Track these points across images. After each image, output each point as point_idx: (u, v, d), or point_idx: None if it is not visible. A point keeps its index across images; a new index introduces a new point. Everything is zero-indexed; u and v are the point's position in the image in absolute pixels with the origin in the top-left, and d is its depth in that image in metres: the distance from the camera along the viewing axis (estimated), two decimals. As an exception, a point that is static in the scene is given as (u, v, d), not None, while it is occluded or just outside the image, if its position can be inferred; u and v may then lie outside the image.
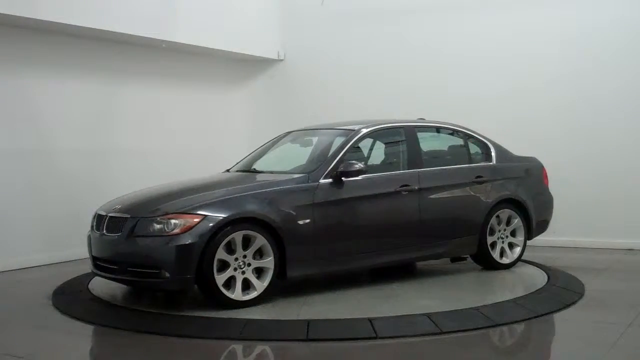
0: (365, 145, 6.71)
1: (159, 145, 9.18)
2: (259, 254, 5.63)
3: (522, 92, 8.89)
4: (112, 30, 8.08)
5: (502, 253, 7.01)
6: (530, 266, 7.14)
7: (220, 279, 5.41)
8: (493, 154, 7.15)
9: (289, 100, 10.48)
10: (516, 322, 5.23)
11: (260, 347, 4.80)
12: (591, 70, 8.54)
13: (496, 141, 7.29)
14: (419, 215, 6.46)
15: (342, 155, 6.18)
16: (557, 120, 8.70)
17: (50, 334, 5.21)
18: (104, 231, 5.77)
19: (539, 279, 6.53)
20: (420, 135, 6.79)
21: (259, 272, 5.63)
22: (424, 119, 7.28)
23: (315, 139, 6.92)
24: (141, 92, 9.09)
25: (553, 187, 7.49)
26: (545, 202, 7.39)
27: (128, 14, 8.24)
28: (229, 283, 5.50)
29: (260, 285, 5.59)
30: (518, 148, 7.47)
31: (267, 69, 10.69)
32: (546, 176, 7.47)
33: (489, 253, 6.88)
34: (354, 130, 6.51)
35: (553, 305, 5.60)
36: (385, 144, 6.97)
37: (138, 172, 8.49)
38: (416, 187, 6.43)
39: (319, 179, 6.00)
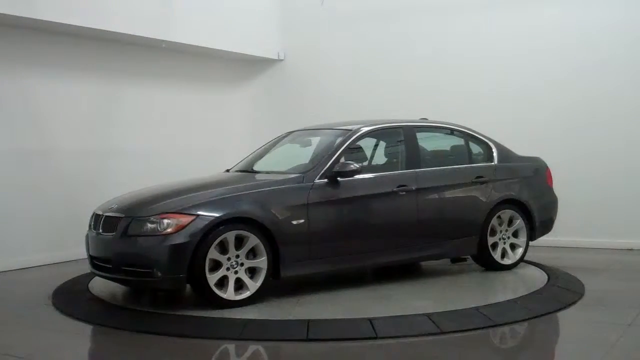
0: (363, 145, 6.69)
1: (159, 145, 9.18)
2: (253, 253, 5.63)
3: (523, 92, 8.89)
4: (112, 30, 8.09)
5: (504, 254, 6.97)
6: (531, 266, 7.13)
7: (212, 278, 5.42)
8: (495, 154, 7.11)
9: (289, 100, 10.48)
10: (516, 322, 5.22)
11: (260, 347, 4.79)
12: (591, 70, 8.54)
13: (498, 141, 7.28)
14: (417, 216, 6.44)
15: (338, 156, 6.18)
16: (557, 120, 8.70)
17: (50, 334, 5.21)
18: (100, 230, 5.82)
19: (539, 279, 6.52)
20: (419, 135, 6.77)
21: (253, 272, 5.64)
22: (426, 119, 7.26)
23: (315, 139, 6.92)
24: (141, 92, 9.10)
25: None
26: (549, 203, 7.34)
27: (128, 14, 8.24)
28: (223, 282, 5.51)
29: (253, 285, 5.59)
30: (518, 148, 7.46)
31: (267, 69, 10.69)
32: (550, 176, 7.41)
33: (490, 254, 6.84)
34: (351, 130, 6.50)
35: (553, 305, 5.60)
36: (384, 144, 6.97)
37: (138, 172, 8.48)
38: (414, 188, 6.41)
39: (314, 179, 6.00)
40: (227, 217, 5.51)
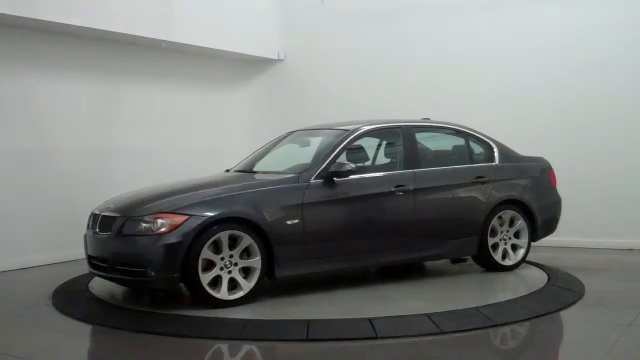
0: (361, 145, 6.67)
1: (159, 145, 9.18)
2: (247, 253, 5.64)
3: (523, 92, 8.89)
4: (112, 30, 8.09)
5: (505, 255, 6.93)
6: (531, 266, 7.12)
7: (205, 278, 5.43)
8: (496, 154, 7.07)
9: (289, 100, 10.48)
10: (516, 322, 5.22)
11: (260, 347, 4.79)
12: (591, 70, 8.54)
13: (500, 141, 7.26)
14: (414, 216, 6.42)
15: (334, 156, 6.18)
16: (557, 120, 8.70)
17: (50, 334, 5.21)
18: (97, 230, 5.84)
19: (539, 279, 6.52)
20: (418, 135, 6.76)
21: (247, 271, 5.64)
22: (428, 119, 7.25)
23: (316, 139, 6.90)
24: (141, 92, 9.10)
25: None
26: (552, 203, 7.28)
27: (128, 14, 8.24)
28: (217, 282, 5.52)
29: (246, 285, 5.60)
30: (518, 148, 7.45)
31: (267, 69, 10.69)
32: (554, 177, 7.36)
33: (490, 254, 6.81)
34: (348, 130, 6.49)
35: (553, 305, 5.60)
36: (382, 144, 6.95)
37: (138, 172, 8.48)
38: (411, 188, 6.39)
39: (310, 179, 6.00)
40: (220, 217, 5.51)
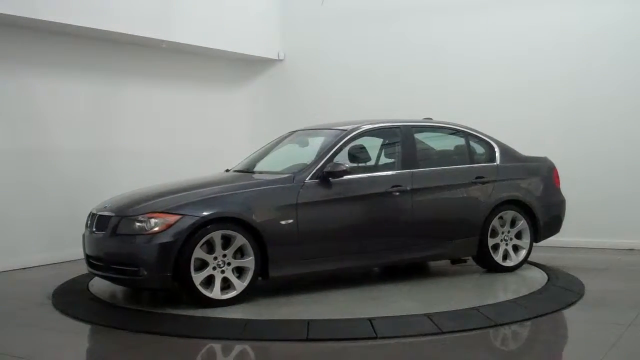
0: (362, 145, 6.65)
1: (159, 146, 9.18)
2: (241, 253, 5.64)
3: (523, 92, 8.89)
4: (112, 30, 8.09)
5: (506, 255, 6.88)
6: (531, 266, 7.11)
7: (197, 277, 5.44)
8: (497, 154, 7.04)
9: (289, 100, 10.48)
10: (516, 322, 5.22)
11: (260, 347, 4.80)
12: (591, 70, 8.54)
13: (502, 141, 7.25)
14: (412, 216, 6.40)
15: (330, 156, 6.17)
16: (557, 120, 8.70)
17: (50, 334, 5.21)
18: (94, 229, 5.87)
19: (539, 279, 6.52)
20: (418, 135, 6.75)
21: (240, 271, 5.64)
22: (431, 119, 7.23)
23: (317, 139, 6.88)
24: (141, 92, 9.10)
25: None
26: (555, 204, 7.22)
27: (128, 14, 8.24)
28: (211, 282, 5.52)
29: (240, 285, 5.60)
30: (518, 148, 7.44)
31: (267, 69, 10.69)
32: (558, 177, 7.31)
33: (490, 255, 6.77)
34: (346, 130, 6.48)
35: (553, 306, 5.60)
36: (380, 144, 6.92)
37: (138, 172, 8.48)
38: (408, 188, 6.38)
39: (305, 179, 5.99)
40: (213, 217, 5.52)
